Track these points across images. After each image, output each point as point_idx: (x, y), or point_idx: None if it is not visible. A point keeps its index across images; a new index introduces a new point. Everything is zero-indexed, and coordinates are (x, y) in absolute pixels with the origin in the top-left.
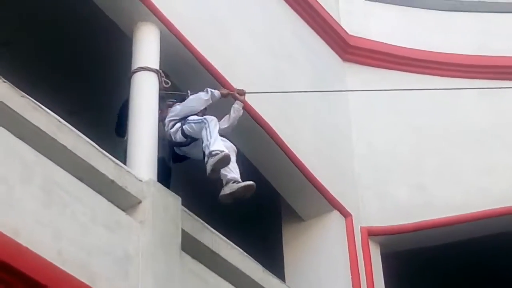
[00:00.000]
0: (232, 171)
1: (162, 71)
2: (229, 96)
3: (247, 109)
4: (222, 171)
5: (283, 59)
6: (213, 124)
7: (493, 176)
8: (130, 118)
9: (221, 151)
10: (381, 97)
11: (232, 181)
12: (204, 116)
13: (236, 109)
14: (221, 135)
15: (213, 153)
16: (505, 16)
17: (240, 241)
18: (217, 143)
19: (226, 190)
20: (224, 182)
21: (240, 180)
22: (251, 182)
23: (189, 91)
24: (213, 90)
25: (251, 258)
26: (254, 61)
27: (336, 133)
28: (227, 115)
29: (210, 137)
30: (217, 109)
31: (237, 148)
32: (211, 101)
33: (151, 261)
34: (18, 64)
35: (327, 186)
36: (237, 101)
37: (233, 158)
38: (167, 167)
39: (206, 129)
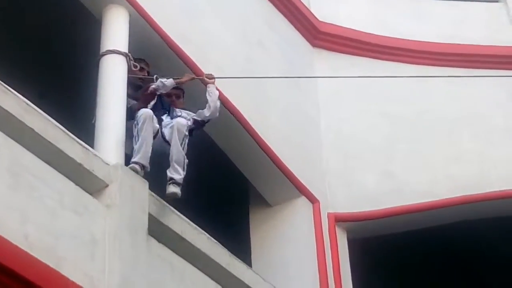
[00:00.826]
0: (171, 171)
1: (139, 59)
2: (192, 81)
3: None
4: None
5: (254, 45)
6: (141, 122)
7: (461, 164)
8: (98, 101)
9: (135, 163)
10: (351, 84)
11: (168, 181)
12: (139, 112)
13: (210, 92)
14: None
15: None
16: (476, 4)
17: (207, 226)
18: (137, 153)
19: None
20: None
21: (174, 180)
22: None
23: (156, 76)
24: (164, 81)
25: (218, 243)
26: (224, 47)
27: (305, 120)
28: (207, 103)
29: (135, 143)
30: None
31: (206, 133)
32: (163, 91)
33: (118, 245)
34: None
35: (295, 172)
36: (208, 85)
37: (175, 158)
38: None
39: (135, 127)
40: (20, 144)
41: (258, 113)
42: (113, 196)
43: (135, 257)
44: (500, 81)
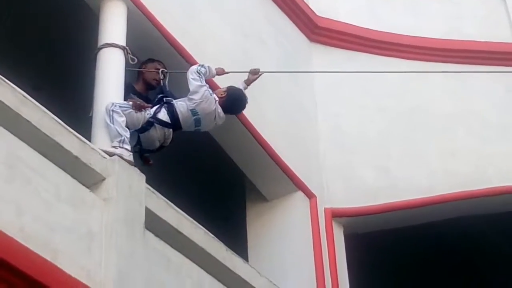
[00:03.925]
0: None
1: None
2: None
3: (213, 88)
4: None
5: (251, 39)
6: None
7: (458, 160)
8: (96, 94)
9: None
10: (348, 79)
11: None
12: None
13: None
14: None
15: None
16: (473, 0)
17: (204, 220)
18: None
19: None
20: None
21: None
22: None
23: (161, 70)
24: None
25: (214, 237)
26: (222, 41)
27: (302, 114)
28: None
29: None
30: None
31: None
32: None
33: (114, 238)
34: None
35: (292, 167)
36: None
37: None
38: None
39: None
40: (16, 136)
41: (255, 107)
42: (110, 189)
43: (132, 250)
44: (497, 77)
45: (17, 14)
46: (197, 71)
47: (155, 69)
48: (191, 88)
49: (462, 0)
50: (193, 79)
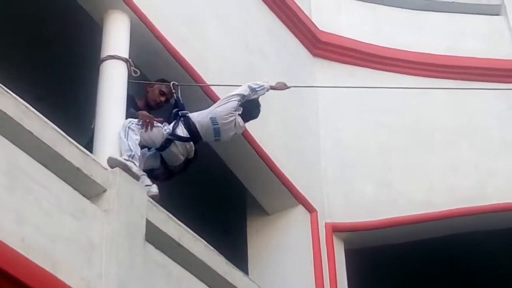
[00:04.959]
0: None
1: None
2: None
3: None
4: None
5: (254, 53)
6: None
7: (458, 176)
8: (98, 106)
9: None
10: (350, 94)
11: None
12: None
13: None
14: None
15: None
16: (475, 17)
17: (205, 233)
18: None
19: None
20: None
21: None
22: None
23: (173, 82)
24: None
25: (215, 250)
26: (225, 54)
27: (304, 128)
28: None
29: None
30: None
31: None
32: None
33: (115, 250)
34: None
35: (293, 181)
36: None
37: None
38: None
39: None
40: (18, 147)
41: (257, 120)
42: (111, 201)
43: (132, 262)
44: (499, 93)
45: (21, 25)
46: (249, 86)
47: (158, 91)
48: (228, 105)
49: (464, 17)
50: (234, 100)
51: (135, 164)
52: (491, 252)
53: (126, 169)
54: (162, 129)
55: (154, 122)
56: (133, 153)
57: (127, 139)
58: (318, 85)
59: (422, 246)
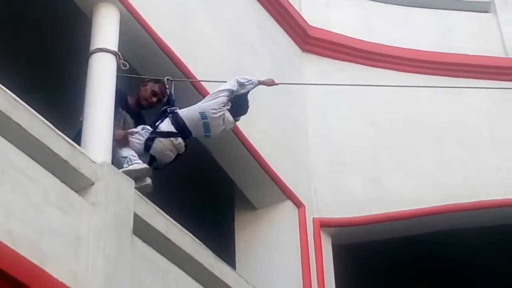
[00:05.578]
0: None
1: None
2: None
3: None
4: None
5: (244, 47)
6: None
7: (447, 172)
8: (86, 98)
9: None
10: (339, 90)
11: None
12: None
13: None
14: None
15: None
16: (465, 14)
17: (192, 227)
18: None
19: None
20: None
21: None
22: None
23: (167, 78)
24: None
25: (202, 244)
26: (214, 49)
27: (293, 124)
28: None
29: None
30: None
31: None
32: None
33: (103, 243)
34: None
35: (281, 176)
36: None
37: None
38: None
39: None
40: (6, 139)
41: (246, 115)
42: (98, 194)
43: (119, 256)
44: (488, 90)
45: (9, 17)
46: (237, 80)
47: (151, 91)
48: (217, 100)
49: (454, 13)
50: (223, 95)
51: (137, 163)
52: (480, 249)
53: (136, 173)
54: (138, 135)
55: (128, 136)
56: (127, 158)
57: (115, 155)
58: (307, 81)
59: (410, 242)
